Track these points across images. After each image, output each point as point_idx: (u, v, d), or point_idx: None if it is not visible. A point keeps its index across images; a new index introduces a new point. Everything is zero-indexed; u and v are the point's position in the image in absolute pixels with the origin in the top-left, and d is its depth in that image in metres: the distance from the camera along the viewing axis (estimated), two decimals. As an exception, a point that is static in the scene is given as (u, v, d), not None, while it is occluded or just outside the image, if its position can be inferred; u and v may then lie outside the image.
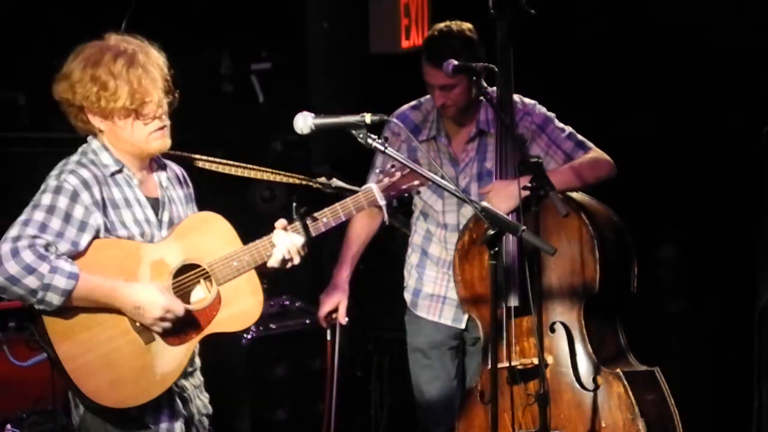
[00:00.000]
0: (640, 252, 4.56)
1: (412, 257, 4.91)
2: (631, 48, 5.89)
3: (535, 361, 4.32)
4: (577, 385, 4.39)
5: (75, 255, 3.51)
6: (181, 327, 3.59)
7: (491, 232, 3.54)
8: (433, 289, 4.85)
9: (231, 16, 6.90)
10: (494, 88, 4.54)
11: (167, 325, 3.56)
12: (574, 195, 4.55)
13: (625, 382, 4.36)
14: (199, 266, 3.64)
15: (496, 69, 4.48)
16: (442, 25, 4.66)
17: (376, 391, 6.34)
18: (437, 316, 4.85)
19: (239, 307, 3.67)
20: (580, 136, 4.65)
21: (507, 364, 4.38)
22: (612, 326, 4.54)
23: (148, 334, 3.57)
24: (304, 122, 3.55)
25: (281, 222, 3.71)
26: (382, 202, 3.80)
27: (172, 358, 3.59)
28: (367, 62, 6.71)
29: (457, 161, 4.76)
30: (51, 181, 3.56)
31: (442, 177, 3.64)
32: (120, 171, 3.63)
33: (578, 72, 5.86)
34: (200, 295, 3.66)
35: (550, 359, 4.41)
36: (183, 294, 3.62)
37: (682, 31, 5.83)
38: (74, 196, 3.52)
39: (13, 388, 5.42)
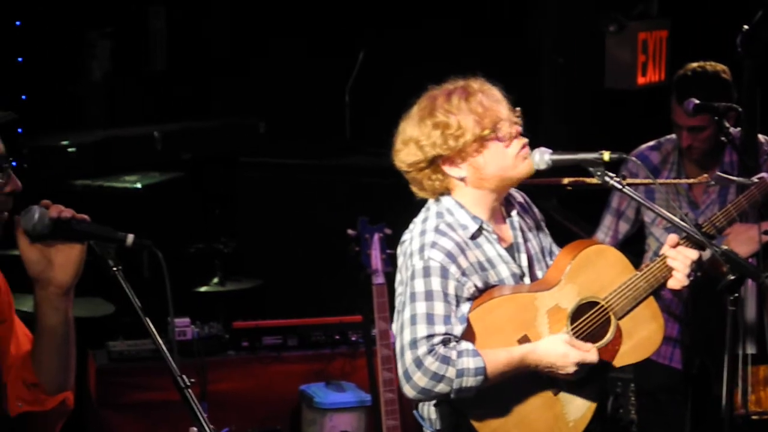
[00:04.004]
0: None
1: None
2: None
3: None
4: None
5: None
6: (588, 369, 3.45)
7: (731, 277, 3.41)
8: (665, 332, 4.74)
9: (465, 49, 6.95)
10: (739, 129, 4.43)
11: (581, 374, 3.42)
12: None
13: None
14: (597, 303, 3.50)
15: (740, 109, 4.37)
16: (695, 65, 4.56)
17: None
18: (668, 359, 4.74)
19: (640, 334, 3.53)
20: (832, 183, 4.46)
21: (742, 413, 4.25)
22: None
23: (556, 384, 3.45)
24: (541, 158, 3.48)
25: (672, 239, 3.55)
26: None
27: (581, 403, 3.47)
28: (601, 98, 6.66)
29: (697, 204, 4.65)
30: (416, 261, 3.37)
31: (681, 219, 3.56)
32: (479, 231, 3.45)
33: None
34: (606, 331, 3.50)
35: (791, 413, 4.25)
36: (588, 335, 3.47)
37: None
38: (444, 273, 3.34)
39: (242, 405, 5.58)
